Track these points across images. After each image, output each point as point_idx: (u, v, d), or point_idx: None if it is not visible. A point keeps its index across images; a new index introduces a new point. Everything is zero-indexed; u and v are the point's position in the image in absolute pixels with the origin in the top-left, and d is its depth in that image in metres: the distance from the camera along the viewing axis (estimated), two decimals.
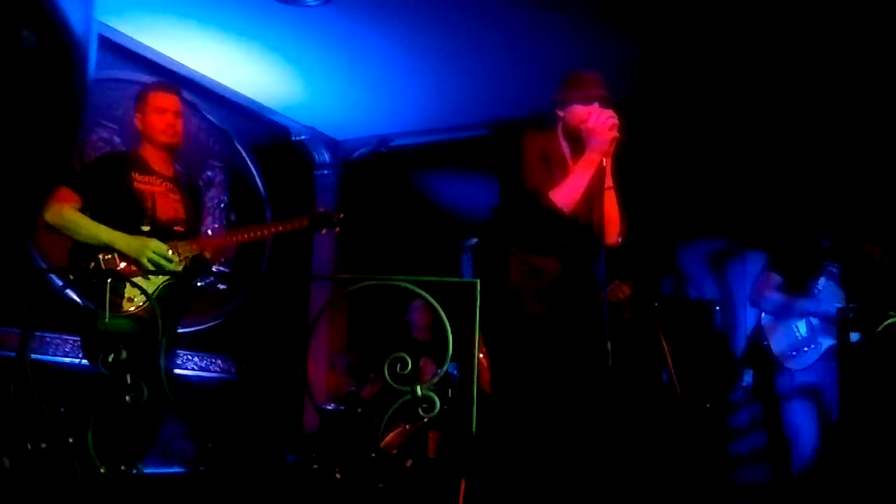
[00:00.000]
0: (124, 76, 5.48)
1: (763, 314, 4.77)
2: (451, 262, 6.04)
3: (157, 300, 3.11)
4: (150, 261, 3.42)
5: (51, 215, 3.44)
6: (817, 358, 4.51)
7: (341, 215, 4.11)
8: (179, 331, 3.99)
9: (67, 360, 4.89)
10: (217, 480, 3.28)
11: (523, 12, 4.99)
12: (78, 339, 4.96)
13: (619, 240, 3.35)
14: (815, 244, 4.75)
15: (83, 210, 3.49)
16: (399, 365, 2.37)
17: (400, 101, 6.36)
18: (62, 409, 3.35)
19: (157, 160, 3.72)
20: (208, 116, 6.12)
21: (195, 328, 5.48)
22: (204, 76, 5.98)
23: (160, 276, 3.41)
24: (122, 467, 3.10)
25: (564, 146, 3.38)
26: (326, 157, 7.18)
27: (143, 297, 3.23)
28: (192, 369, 5.64)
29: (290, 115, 6.71)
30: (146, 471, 3.23)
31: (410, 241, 6.88)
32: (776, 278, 4.71)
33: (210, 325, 5.72)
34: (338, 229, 4.10)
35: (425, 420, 4.87)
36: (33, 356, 3.34)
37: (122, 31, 5.36)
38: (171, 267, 3.49)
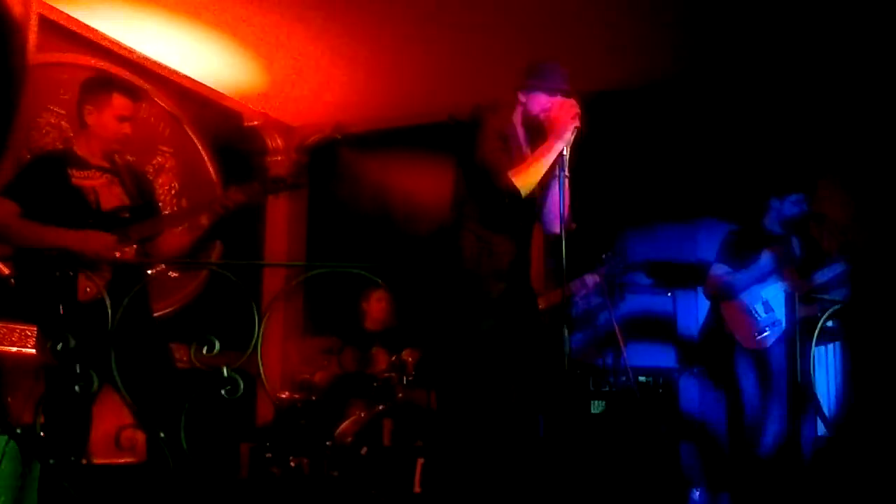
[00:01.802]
0: (72, 60, 5.37)
1: (722, 301, 4.87)
2: (408, 249, 6.02)
3: (110, 289, 3.16)
4: (98, 252, 3.32)
5: None
6: (777, 338, 4.64)
7: (293, 178, 3.92)
8: None
9: (14, 349, 4.81)
10: (169, 470, 3.24)
11: (482, 1, 4.99)
12: (24, 328, 4.89)
13: (573, 226, 3.37)
14: (759, 229, 4.87)
15: (24, 217, 3.35)
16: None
17: (356, 87, 6.32)
18: (8, 399, 3.30)
19: (95, 153, 3.57)
20: (158, 102, 6.03)
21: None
22: (153, 60, 5.89)
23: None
24: (72, 458, 3.06)
25: (520, 131, 3.41)
26: (279, 143, 7.11)
27: (97, 287, 3.19)
28: None
29: (242, 101, 6.64)
30: (96, 461, 3.18)
31: (366, 227, 6.85)
32: (723, 268, 4.84)
33: (163, 312, 5.64)
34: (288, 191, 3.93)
35: (380, 407, 4.86)
36: None
37: (70, 13, 5.25)
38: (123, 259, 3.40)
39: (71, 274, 3.19)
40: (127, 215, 3.53)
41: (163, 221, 3.67)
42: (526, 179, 3.18)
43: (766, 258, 4.72)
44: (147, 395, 3.30)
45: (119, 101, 3.56)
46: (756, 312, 4.74)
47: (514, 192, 3.18)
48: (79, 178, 3.47)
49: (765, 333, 4.69)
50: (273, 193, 3.74)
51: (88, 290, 3.25)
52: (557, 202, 3.15)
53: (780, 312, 4.68)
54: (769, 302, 4.73)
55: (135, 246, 3.50)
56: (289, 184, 3.74)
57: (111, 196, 3.53)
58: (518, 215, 3.32)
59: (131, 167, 3.82)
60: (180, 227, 3.67)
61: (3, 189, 3.44)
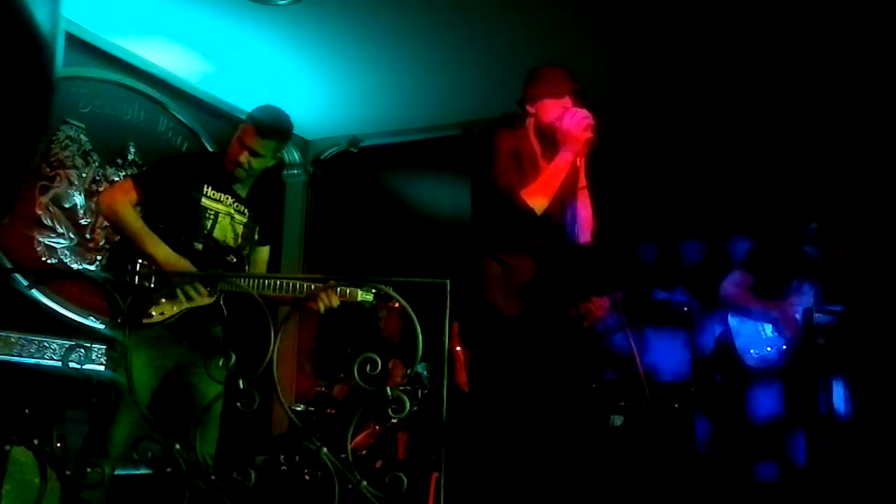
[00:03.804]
0: (92, 74, 5.42)
1: (730, 311, 4.82)
2: (423, 262, 6.03)
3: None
4: (181, 288, 3.19)
5: (105, 206, 3.26)
6: (777, 358, 4.58)
7: (397, 305, 3.46)
8: None
9: (32, 360, 4.83)
10: (184, 481, 3.24)
11: (494, 12, 5.00)
12: (42, 339, 4.91)
13: (588, 240, 3.34)
14: (794, 252, 4.79)
15: (141, 206, 3.26)
16: (369, 365, 2.35)
17: (370, 101, 6.34)
18: (26, 411, 3.31)
19: (238, 178, 3.45)
20: (177, 115, 6.08)
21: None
22: (173, 75, 5.93)
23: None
24: (89, 469, 3.06)
25: (535, 144, 3.35)
26: (296, 156, 7.15)
27: (163, 315, 3.17)
28: None
29: None
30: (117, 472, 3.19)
31: (382, 241, 6.87)
32: (749, 277, 4.76)
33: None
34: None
35: (395, 421, 4.86)
36: None
37: (90, 28, 5.30)
38: (200, 301, 3.26)
39: (147, 286, 3.03)
40: (233, 260, 3.39)
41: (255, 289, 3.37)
42: (540, 198, 3.13)
43: (807, 288, 4.63)
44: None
45: (246, 128, 3.41)
46: (762, 329, 4.67)
47: (530, 211, 3.14)
48: (209, 196, 3.36)
49: (764, 352, 4.62)
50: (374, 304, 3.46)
51: (163, 312, 3.17)
52: (577, 215, 3.10)
53: (786, 336, 4.61)
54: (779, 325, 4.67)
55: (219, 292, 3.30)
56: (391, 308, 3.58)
57: (227, 229, 3.41)
58: (538, 232, 3.27)
59: (264, 211, 3.65)
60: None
61: (136, 175, 3.30)
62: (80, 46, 5.29)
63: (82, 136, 5.31)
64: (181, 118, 6.10)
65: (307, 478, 4.90)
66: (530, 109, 3.34)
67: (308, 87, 6.17)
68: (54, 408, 3.08)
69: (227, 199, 3.42)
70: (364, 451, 4.86)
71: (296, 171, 7.19)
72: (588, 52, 5.28)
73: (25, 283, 4.66)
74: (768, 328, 4.66)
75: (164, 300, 3.19)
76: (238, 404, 2.75)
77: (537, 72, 3.38)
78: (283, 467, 5.08)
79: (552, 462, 3.12)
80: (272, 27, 5.25)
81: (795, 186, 5.29)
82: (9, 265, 4.76)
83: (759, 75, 5.54)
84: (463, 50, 5.48)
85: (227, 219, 3.41)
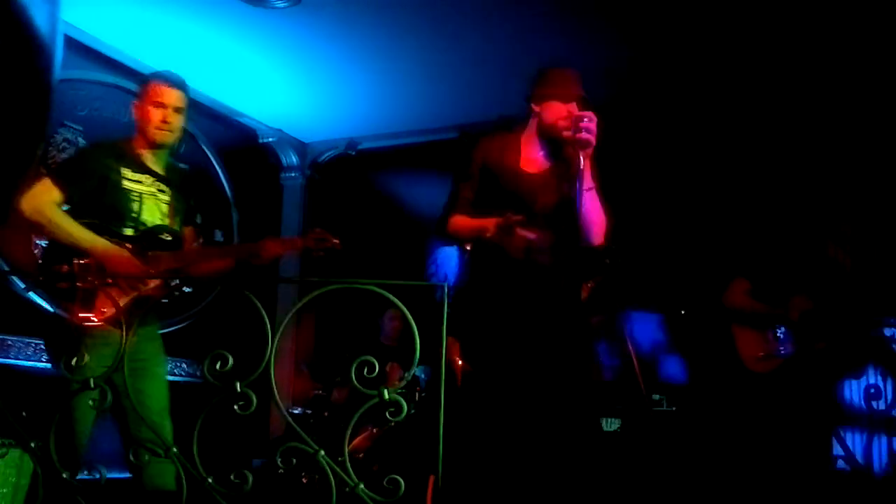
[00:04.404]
0: (89, 77, 5.43)
1: (732, 317, 4.81)
2: (420, 265, 6.03)
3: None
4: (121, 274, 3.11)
5: (29, 210, 3.15)
6: (780, 363, 4.58)
7: (336, 241, 3.66)
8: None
9: (29, 363, 4.83)
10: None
11: (493, 16, 5.01)
12: (39, 342, 4.91)
13: (601, 241, 3.33)
14: (791, 267, 4.78)
15: (65, 204, 3.19)
16: (366, 368, 2.35)
17: (368, 104, 6.35)
18: (23, 413, 3.30)
19: (151, 156, 3.37)
20: None
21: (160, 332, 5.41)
22: None
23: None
24: (86, 472, 3.06)
25: (534, 145, 3.35)
26: (294, 159, 7.16)
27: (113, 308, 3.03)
28: None
29: (257, 118, 6.68)
30: (108, 475, 3.18)
31: (379, 245, 6.86)
32: (744, 283, 4.75)
33: (175, 327, 5.66)
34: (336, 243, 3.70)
35: (392, 423, 4.86)
36: None
37: (88, 31, 5.31)
38: (147, 287, 3.18)
39: (92, 286, 3.03)
40: (168, 238, 3.35)
41: (191, 260, 3.42)
42: (456, 233, 3.30)
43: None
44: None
45: (153, 87, 3.37)
46: (772, 334, 4.65)
47: (439, 233, 3.30)
48: (129, 179, 3.29)
49: (767, 357, 4.61)
50: (314, 252, 3.54)
51: (105, 310, 3.06)
52: (583, 216, 3.08)
53: (789, 341, 4.61)
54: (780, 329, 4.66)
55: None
56: (329, 246, 3.60)
57: (155, 209, 3.35)
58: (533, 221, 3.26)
59: (192, 180, 3.62)
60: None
61: (53, 171, 3.28)
62: (79, 49, 5.30)
63: (80, 139, 5.31)
64: None
65: (304, 481, 4.90)
66: (535, 108, 3.33)
67: (306, 91, 6.18)
68: (51, 410, 3.07)
69: (147, 178, 3.35)
70: (361, 454, 4.85)
71: (293, 175, 7.20)
72: (586, 55, 5.28)
73: (23, 285, 4.66)
74: (771, 333, 4.65)
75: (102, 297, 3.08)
76: (235, 407, 2.75)
77: (548, 72, 3.37)
78: (280, 470, 5.07)
79: (549, 465, 3.12)
80: (270, 30, 5.26)
81: (795, 190, 5.29)
82: (6, 268, 4.75)
83: (759, 79, 5.56)
84: (460, 53, 5.48)
85: (151, 198, 3.35)
